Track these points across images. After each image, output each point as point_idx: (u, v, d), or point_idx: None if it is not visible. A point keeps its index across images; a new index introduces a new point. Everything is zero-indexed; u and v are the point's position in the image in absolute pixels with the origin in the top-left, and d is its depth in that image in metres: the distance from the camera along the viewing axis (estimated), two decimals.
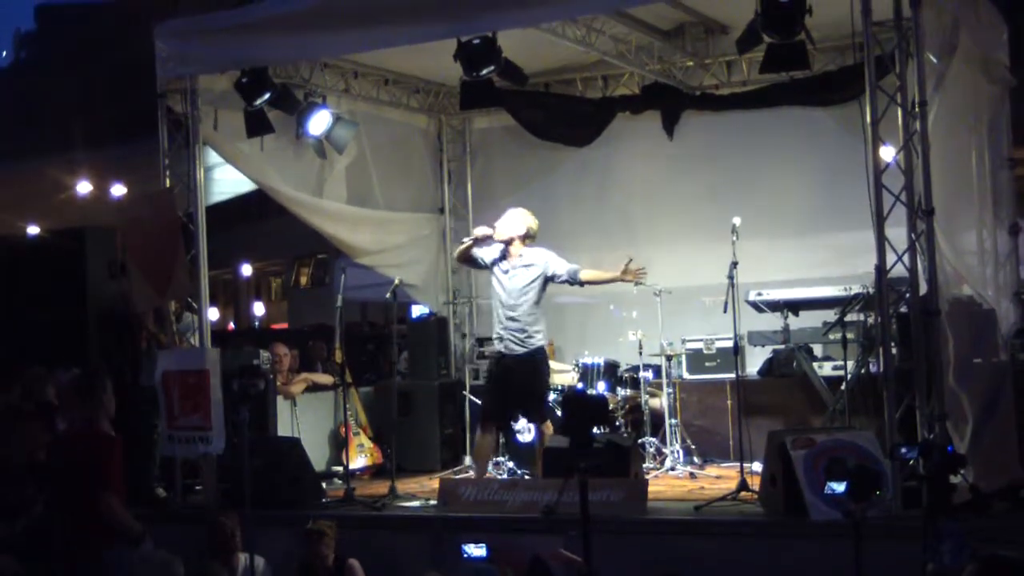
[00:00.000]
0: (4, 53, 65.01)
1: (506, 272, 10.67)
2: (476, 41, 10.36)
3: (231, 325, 41.19)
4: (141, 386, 10.81)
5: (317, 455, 11.89)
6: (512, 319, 10.59)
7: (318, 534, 8.75)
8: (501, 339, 10.70)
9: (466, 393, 12.72)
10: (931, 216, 8.80)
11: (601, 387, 11.86)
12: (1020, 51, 12.09)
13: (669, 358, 12.03)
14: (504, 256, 10.72)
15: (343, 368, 12.04)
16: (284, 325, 37.55)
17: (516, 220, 10.69)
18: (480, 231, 10.78)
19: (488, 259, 10.79)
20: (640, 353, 11.93)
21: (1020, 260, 11.66)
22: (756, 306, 11.63)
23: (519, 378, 10.62)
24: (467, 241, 10.85)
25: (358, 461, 12.31)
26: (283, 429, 11.84)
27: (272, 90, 11.41)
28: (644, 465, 11.33)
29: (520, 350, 10.57)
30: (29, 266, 11.73)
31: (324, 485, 11.26)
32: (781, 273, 12.44)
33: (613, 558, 8.62)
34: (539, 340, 10.64)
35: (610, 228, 13.77)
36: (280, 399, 12.01)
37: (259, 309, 44.11)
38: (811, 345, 11.71)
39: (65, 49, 46.75)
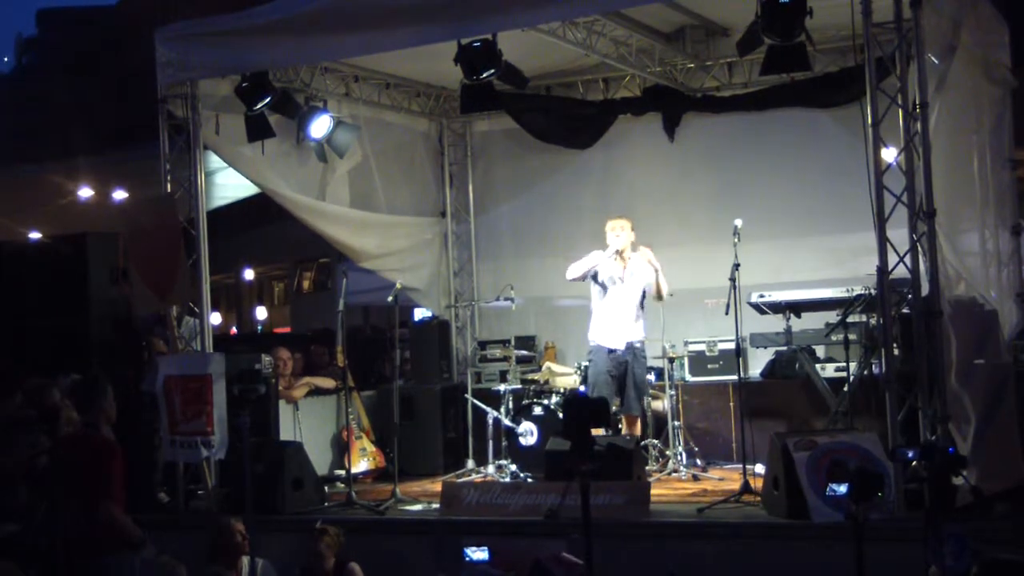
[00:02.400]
0: (6, 59, 65.08)
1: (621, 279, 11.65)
2: (476, 44, 10.37)
3: (233, 330, 41.15)
4: (143, 391, 10.80)
5: (319, 459, 11.88)
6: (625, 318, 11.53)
7: (320, 532, 8.75)
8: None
9: (468, 396, 12.71)
10: (932, 217, 8.79)
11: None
12: (1021, 52, 12.08)
13: (671, 360, 12.01)
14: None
15: (345, 372, 12.04)
16: (287, 329, 37.53)
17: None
18: (619, 245, 11.60)
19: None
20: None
21: (1022, 261, 11.63)
22: (758, 308, 11.61)
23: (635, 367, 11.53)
24: (606, 253, 11.62)
25: (360, 465, 12.32)
26: (285, 433, 11.83)
27: (273, 94, 11.44)
28: (647, 468, 11.33)
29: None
30: (31, 271, 11.71)
31: (326, 489, 11.27)
32: (783, 275, 12.45)
33: (616, 561, 8.62)
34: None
35: None
36: (282, 403, 12.00)
37: (261, 314, 44.06)
38: (813, 347, 11.69)
39: (66, 54, 46.76)
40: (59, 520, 7.55)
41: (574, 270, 11.73)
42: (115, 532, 7.32)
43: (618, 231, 11.58)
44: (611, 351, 11.46)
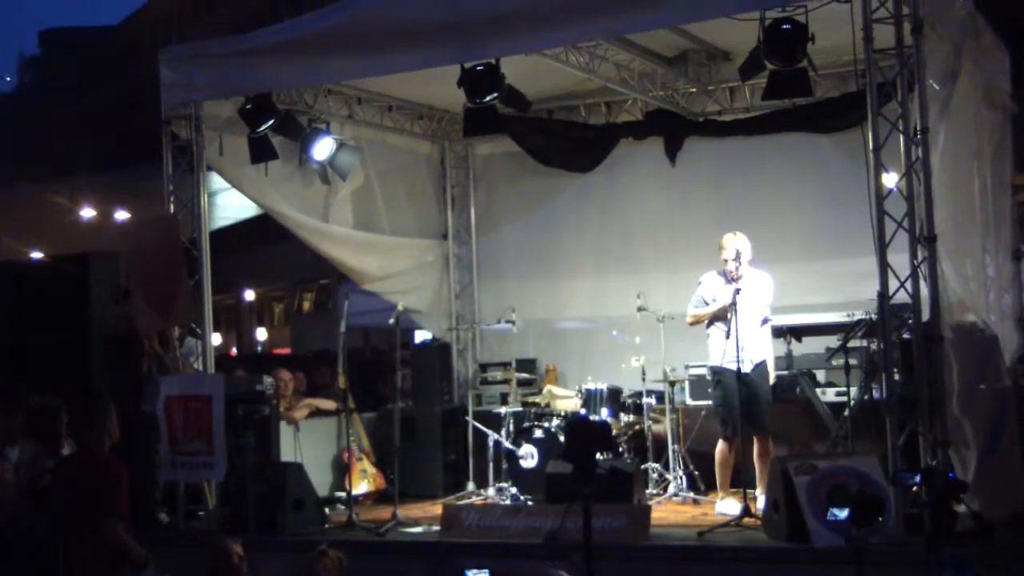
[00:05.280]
0: (8, 78, 65.32)
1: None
2: (479, 68, 10.43)
3: (233, 350, 41.18)
4: (143, 411, 10.81)
5: (320, 480, 11.87)
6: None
7: (319, 554, 8.72)
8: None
9: (469, 419, 12.72)
10: (933, 243, 8.81)
11: (604, 413, 11.84)
12: (1021, 78, 12.14)
13: (672, 384, 12.02)
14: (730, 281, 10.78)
15: (346, 393, 12.05)
16: (287, 350, 37.55)
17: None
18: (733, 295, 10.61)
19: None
20: (643, 379, 11.92)
21: (1022, 286, 11.67)
22: None
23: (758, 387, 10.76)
24: (717, 304, 10.81)
25: (361, 487, 12.29)
26: (286, 454, 11.84)
27: (276, 116, 11.51)
28: (647, 491, 11.33)
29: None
30: (33, 291, 11.73)
31: (327, 510, 11.27)
32: (784, 299, 12.40)
33: None
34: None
35: (612, 254, 13.81)
36: (283, 424, 12.01)
37: (262, 334, 44.13)
38: (814, 371, 11.68)
39: (69, 73, 46.94)
40: (63, 540, 7.55)
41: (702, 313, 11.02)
42: (119, 552, 7.31)
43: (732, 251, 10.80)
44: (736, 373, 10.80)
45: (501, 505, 11.16)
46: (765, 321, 10.99)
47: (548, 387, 13.11)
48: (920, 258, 8.93)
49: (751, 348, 10.59)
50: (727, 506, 10.67)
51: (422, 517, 11.09)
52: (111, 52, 44.25)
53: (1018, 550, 8.22)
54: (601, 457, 10.48)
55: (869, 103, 9.10)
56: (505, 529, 9.86)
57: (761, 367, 10.81)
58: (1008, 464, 9.14)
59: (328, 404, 12.97)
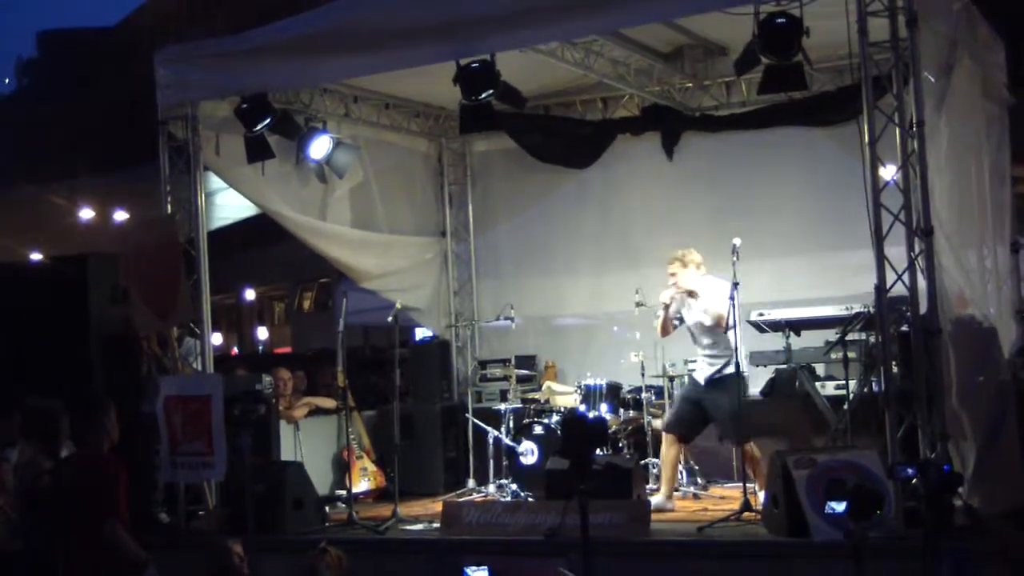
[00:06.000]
0: (7, 80, 65.29)
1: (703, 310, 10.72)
2: (475, 64, 10.41)
3: (234, 350, 41.19)
4: (142, 411, 10.81)
5: (320, 479, 11.89)
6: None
7: (320, 552, 8.73)
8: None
9: (469, 416, 12.73)
10: (930, 235, 8.80)
11: (604, 409, 11.85)
12: (1018, 70, 12.13)
13: (671, 379, 12.02)
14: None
15: (346, 392, 12.05)
16: (288, 349, 37.56)
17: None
18: (666, 296, 10.86)
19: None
20: (642, 374, 11.92)
21: (1021, 278, 11.65)
22: (758, 326, 11.60)
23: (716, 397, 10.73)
24: (661, 314, 10.93)
25: (361, 485, 12.33)
26: (286, 453, 11.85)
27: (272, 115, 11.49)
28: (647, 486, 11.33)
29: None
30: (32, 293, 11.72)
31: (327, 509, 11.28)
32: (782, 293, 12.44)
33: None
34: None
35: (610, 249, 13.81)
36: (283, 423, 12.02)
37: (262, 334, 44.12)
38: (813, 365, 11.67)
39: (67, 75, 46.87)
40: (61, 542, 7.54)
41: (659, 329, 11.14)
42: (119, 553, 7.30)
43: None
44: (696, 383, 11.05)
45: (501, 502, 11.17)
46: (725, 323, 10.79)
47: (547, 383, 13.11)
48: (917, 251, 8.93)
49: (701, 361, 10.88)
50: (656, 500, 10.72)
51: (422, 515, 11.11)
52: (110, 52, 44.16)
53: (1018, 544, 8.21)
54: (600, 453, 10.50)
55: (864, 96, 9.09)
56: (505, 526, 9.86)
57: (717, 379, 10.73)
58: (1007, 458, 9.13)
59: (328, 402, 12.98)
